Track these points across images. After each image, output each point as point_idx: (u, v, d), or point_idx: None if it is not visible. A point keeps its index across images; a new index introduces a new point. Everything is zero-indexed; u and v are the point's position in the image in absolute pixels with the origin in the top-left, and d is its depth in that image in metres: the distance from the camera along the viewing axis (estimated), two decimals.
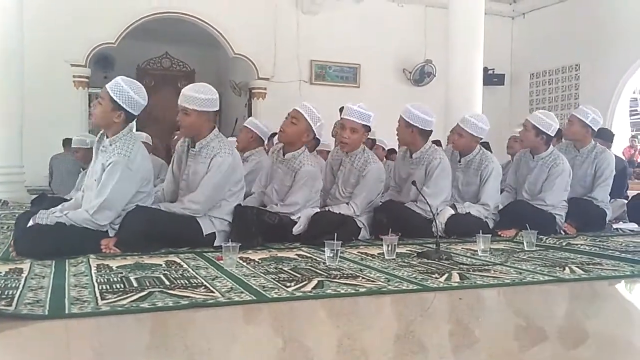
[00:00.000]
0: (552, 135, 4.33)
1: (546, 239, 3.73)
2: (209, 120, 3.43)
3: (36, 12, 8.73)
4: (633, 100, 12.36)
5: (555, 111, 12.31)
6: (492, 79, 12.51)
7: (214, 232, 3.39)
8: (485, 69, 12.01)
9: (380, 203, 4.07)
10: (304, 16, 10.97)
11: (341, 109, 11.28)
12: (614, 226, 4.60)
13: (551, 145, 4.39)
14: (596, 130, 4.66)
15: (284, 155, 3.84)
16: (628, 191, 6.22)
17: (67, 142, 8.67)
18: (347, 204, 3.87)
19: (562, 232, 4.22)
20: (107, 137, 3.22)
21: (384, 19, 11.34)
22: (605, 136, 5.73)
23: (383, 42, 11.35)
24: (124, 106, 3.13)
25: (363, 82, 11.55)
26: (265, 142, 4.97)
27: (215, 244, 3.35)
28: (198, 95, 3.35)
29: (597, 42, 11.19)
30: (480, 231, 3.28)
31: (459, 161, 4.37)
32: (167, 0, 10.04)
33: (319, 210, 3.79)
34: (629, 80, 11.20)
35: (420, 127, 4.07)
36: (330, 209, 3.82)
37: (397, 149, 5.22)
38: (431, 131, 4.13)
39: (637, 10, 10.51)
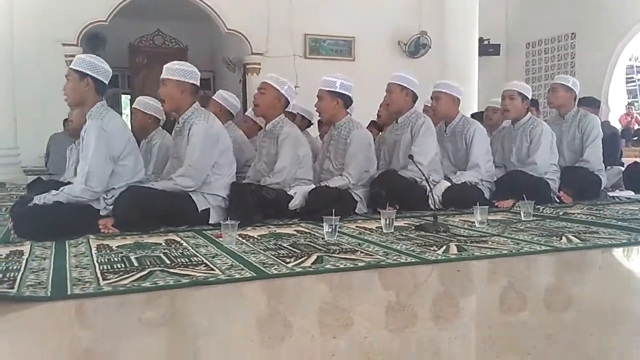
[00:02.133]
0: (530, 97, 4.53)
1: (543, 208, 3.76)
2: (189, 94, 3.47)
3: None
4: (629, 67, 12.31)
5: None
6: (487, 49, 12.44)
7: (209, 208, 3.41)
8: (481, 39, 11.94)
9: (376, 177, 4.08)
10: None
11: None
12: (610, 194, 4.63)
13: (529, 112, 4.51)
14: (577, 93, 4.77)
15: (265, 129, 3.92)
16: (624, 159, 6.25)
17: (67, 122, 8.67)
18: (341, 175, 3.89)
19: (557, 199, 4.26)
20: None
21: None
22: (592, 103, 5.79)
23: (377, 15, 11.23)
24: (90, 72, 3.22)
25: (358, 55, 11.46)
26: (234, 115, 4.90)
27: (210, 220, 3.37)
28: (172, 66, 3.47)
29: (593, 11, 11.11)
30: (478, 202, 3.30)
31: (445, 131, 4.40)
32: None
33: (314, 186, 3.81)
34: (625, 48, 11.16)
35: (413, 90, 4.19)
36: (326, 184, 3.84)
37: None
38: (417, 96, 4.23)
39: None
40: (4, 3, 6.97)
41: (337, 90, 3.93)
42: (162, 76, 3.48)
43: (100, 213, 3.21)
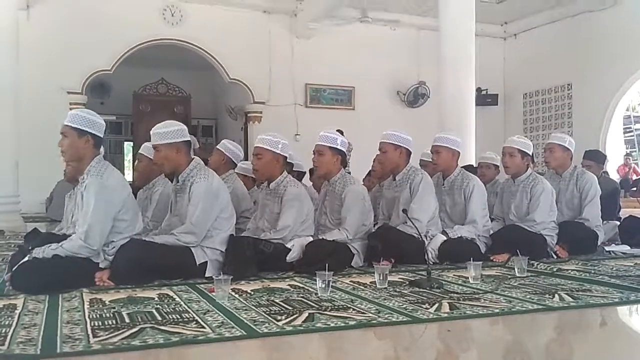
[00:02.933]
0: (531, 153, 4.49)
1: (537, 264, 3.76)
2: (182, 153, 3.51)
3: (32, 41, 8.83)
4: (627, 117, 12.46)
5: (549, 130, 12.41)
6: (485, 99, 12.63)
7: (206, 262, 3.42)
8: (479, 89, 12.14)
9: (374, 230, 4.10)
10: (298, 40, 11.10)
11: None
12: (607, 248, 4.63)
13: (529, 168, 4.50)
14: (573, 151, 4.76)
15: (268, 186, 3.93)
16: (620, 212, 6.26)
17: None
18: (339, 229, 3.91)
19: (553, 254, 4.25)
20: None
21: (377, 42, 11.47)
22: (598, 158, 5.79)
23: (377, 65, 11.48)
24: (87, 129, 3.23)
25: (358, 105, 11.66)
26: (236, 164, 4.96)
27: (207, 274, 3.38)
28: (159, 130, 3.49)
29: (589, 61, 11.32)
30: (472, 258, 3.31)
31: (443, 184, 4.42)
32: (162, 27, 10.16)
33: (312, 239, 3.82)
34: (622, 98, 11.31)
35: (407, 147, 4.22)
36: (324, 237, 3.86)
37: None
38: (411, 152, 4.26)
39: (627, 30, 10.66)
40: (10, 51, 7.14)
41: (338, 147, 3.99)
42: (152, 143, 3.52)
43: (100, 266, 3.23)
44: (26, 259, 3.12)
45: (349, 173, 4.39)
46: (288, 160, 4.40)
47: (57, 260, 3.08)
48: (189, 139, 3.59)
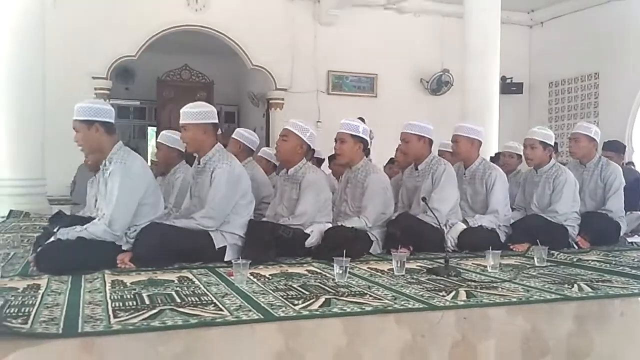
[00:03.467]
0: (554, 143, 4.44)
1: (557, 254, 3.72)
2: (209, 134, 3.56)
3: (58, 26, 8.92)
4: None
5: (575, 120, 12.20)
6: (510, 87, 12.45)
7: (225, 246, 3.46)
8: (504, 78, 11.98)
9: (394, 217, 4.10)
10: (320, 27, 11.04)
11: (358, 120, 11.29)
12: (629, 239, 4.57)
13: (552, 159, 4.45)
14: (598, 141, 4.71)
15: (287, 172, 3.93)
16: None
17: None
18: (359, 217, 3.91)
19: (575, 245, 4.22)
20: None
21: (400, 30, 11.36)
22: (617, 148, 5.73)
23: (400, 52, 11.37)
24: (95, 118, 3.25)
25: (380, 92, 11.58)
26: (254, 151, 4.97)
27: (226, 258, 3.43)
28: (191, 110, 3.54)
29: (616, 50, 11.09)
30: (491, 247, 3.29)
31: (465, 174, 4.40)
32: (186, 13, 10.20)
33: (331, 225, 3.84)
34: None
35: (429, 137, 4.22)
36: (343, 224, 3.87)
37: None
38: (433, 141, 4.27)
39: None
40: (37, 37, 7.23)
41: (360, 134, 3.99)
42: (181, 121, 3.56)
43: (123, 248, 3.29)
44: (51, 240, 3.19)
45: (370, 161, 4.39)
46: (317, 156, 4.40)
47: (81, 242, 3.16)
48: (217, 121, 3.62)
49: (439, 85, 11.72)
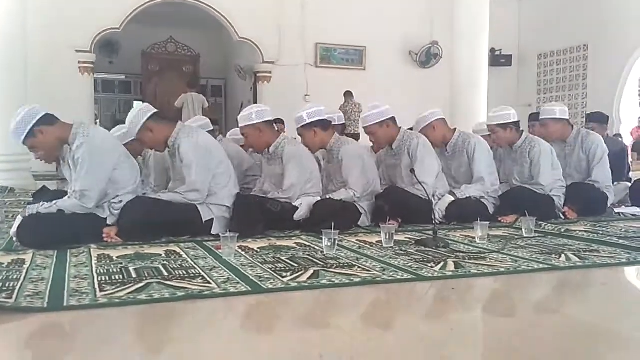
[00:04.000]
0: (516, 119, 4.39)
1: (545, 225, 3.74)
2: (167, 123, 3.57)
3: None
4: None
5: (564, 92, 12.23)
6: (499, 60, 12.43)
7: (212, 219, 3.45)
8: (493, 50, 11.94)
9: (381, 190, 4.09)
10: None
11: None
12: (616, 210, 4.59)
13: (524, 132, 4.46)
14: (567, 118, 4.68)
15: (269, 151, 3.93)
16: (634, 173, 6.20)
17: None
18: (345, 189, 3.90)
19: (562, 215, 4.23)
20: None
21: (389, 1, 11.25)
22: (600, 119, 5.73)
23: (389, 24, 11.27)
24: (30, 126, 3.13)
25: (369, 65, 11.51)
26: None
27: (213, 231, 3.41)
28: (134, 111, 3.60)
29: (606, 22, 11.07)
30: (479, 218, 3.29)
31: (447, 151, 4.38)
32: None
33: (320, 198, 3.83)
34: (638, 61, 11.09)
35: (388, 119, 4.13)
36: (331, 196, 3.86)
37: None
38: (395, 117, 4.18)
39: None
40: (18, 9, 7.07)
41: (307, 121, 3.95)
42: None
43: (107, 222, 3.26)
44: (27, 213, 3.16)
45: (358, 135, 4.35)
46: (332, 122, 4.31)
47: (61, 214, 3.13)
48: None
49: (428, 57, 11.67)
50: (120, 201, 3.29)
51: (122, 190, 3.30)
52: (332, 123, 4.31)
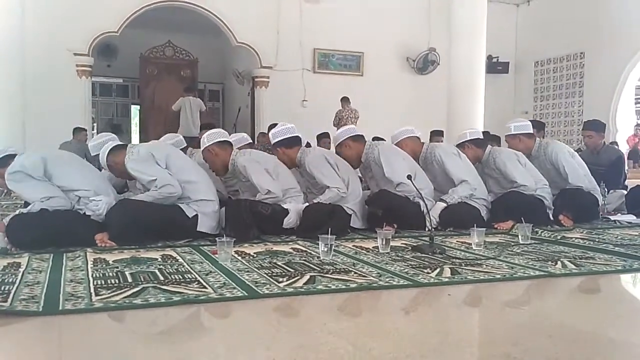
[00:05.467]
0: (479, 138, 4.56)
1: (541, 232, 3.75)
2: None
3: (38, 1, 8.74)
4: (638, 88, 12.27)
5: (560, 99, 12.27)
6: (496, 66, 12.48)
7: (197, 215, 3.51)
8: (490, 57, 11.98)
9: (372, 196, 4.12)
10: (306, 5, 10.93)
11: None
12: (612, 217, 4.60)
13: (488, 147, 4.55)
14: (526, 132, 4.72)
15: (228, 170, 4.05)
16: (630, 181, 6.21)
17: (77, 130, 8.81)
18: (328, 189, 3.92)
19: (553, 217, 4.25)
20: None
21: (387, 7, 11.28)
22: (596, 127, 5.63)
23: (386, 31, 11.30)
24: None
25: (366, 71, 11.53)
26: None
27: (199, 228, 3.50)
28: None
29: (602, 30, 11.13)
30: (475, 224, 3.30)
31: (419, 164, 4.42)
32: None
33: (307, 204, 3.85)
34: (634, 69, 11.14)
35: (349, 137, 4.27)
36: (318, 200, 3.87)
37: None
38: (357, 134, 4.30)
39: None
40: (16, 11, 7.09)
41: (273, 141, 4.12)
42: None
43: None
44: (16, 213, 3.22)
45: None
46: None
47: (45, 213, 3.20)
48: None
49: (425, 64, 11.70)
50: (97, 206, 3.40)
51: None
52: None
